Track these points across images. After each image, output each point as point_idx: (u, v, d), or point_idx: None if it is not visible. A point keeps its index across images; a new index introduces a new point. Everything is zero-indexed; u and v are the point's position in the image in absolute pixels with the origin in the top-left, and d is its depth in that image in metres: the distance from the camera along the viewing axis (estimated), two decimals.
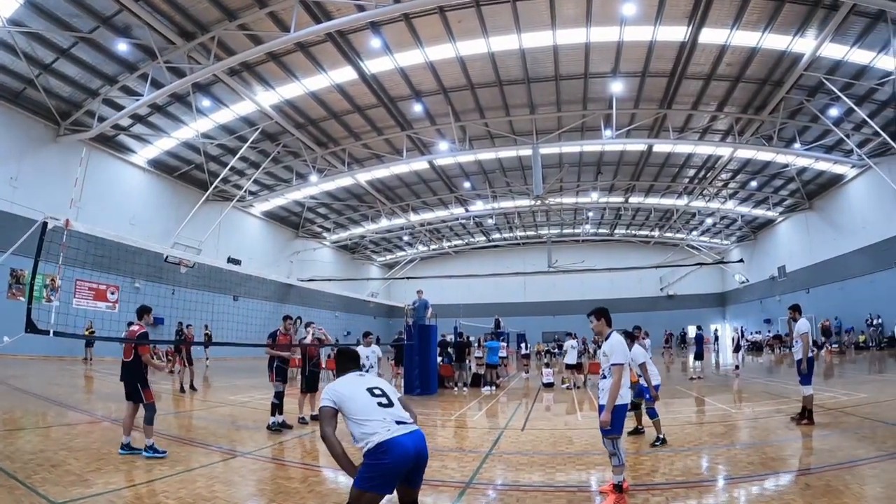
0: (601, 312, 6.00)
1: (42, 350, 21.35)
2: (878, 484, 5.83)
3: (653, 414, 8.55)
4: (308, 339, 12.00)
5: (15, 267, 21.42)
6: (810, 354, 9.51)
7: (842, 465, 6.66)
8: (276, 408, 9.82)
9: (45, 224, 6.64)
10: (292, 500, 5.70)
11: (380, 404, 3.84)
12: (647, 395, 8.75)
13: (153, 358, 7.99)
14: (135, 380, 7.59)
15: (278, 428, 9.63)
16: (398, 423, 3.75)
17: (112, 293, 26.14)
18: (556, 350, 36.86)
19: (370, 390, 3.93)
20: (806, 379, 9.34)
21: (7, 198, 21.54)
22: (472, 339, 22.38)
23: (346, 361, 4.36)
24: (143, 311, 8.13)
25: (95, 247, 14.33)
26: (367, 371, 10.59)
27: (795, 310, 9.86)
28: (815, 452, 7.55)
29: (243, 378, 19.85)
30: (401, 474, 3.63)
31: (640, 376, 8.72)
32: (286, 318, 10.82)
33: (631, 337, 9.02)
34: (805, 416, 9.34)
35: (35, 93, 21.00)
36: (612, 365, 5.65)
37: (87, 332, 18.60)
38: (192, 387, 15.94)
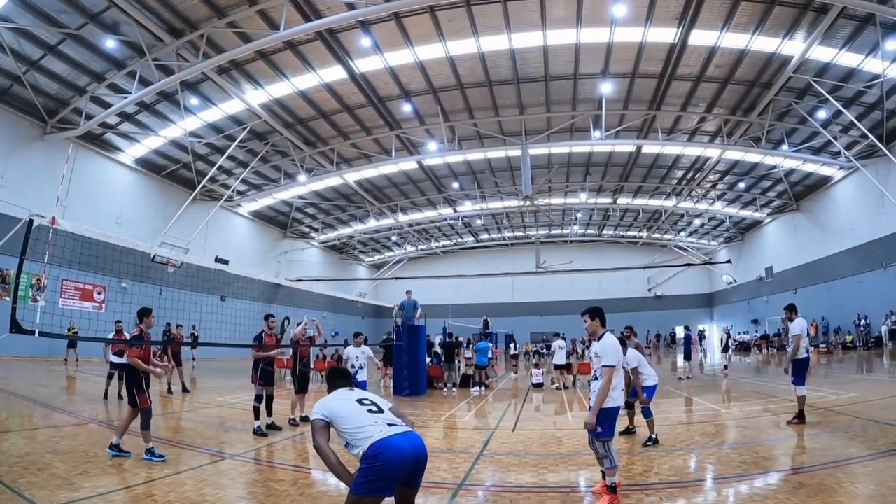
0: (595, 312, 5.85)
1: (27, 351, 21.13)
2: (871, 482, 5.84)
3: (647, 413, 8.54)
4: (299, 330, 11.78)
5: (0, 266, 21.15)
6: (806, 355, 9.49)
7: (834, 463, 6.68)
8: (258, 412, 9.55)
9: (30, 221, 6.52)
10: (283, 503, 5.63)
11: (370, 411, 3.89)
12: (646, 394, 8.76)
13: (148, 362, 7.72)
14: (130, 383, 7.43)
15: (264, 433, 9.36)
16: (390, 425, 3.76)
17: (99, 293, 25.88)
18: (545, 351, 36.95)
19: (360, 401, 4.01)
20: (798, 379, 9.30)
21: None
22: (461, 339, 22.40)
23: (337, 379, 4.43)
24: (142, 314, 7.79)
25: (82, 246, 14.16)
26: (357, 371, 10.63)
27: (790, 310, 9.81)
28: (807, 451, 7.57)
29: (231, 379, 19.71)
30: (399, 476, 3.57)
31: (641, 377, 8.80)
32: (268, 316, 10.43)
33: (623, 342, 9.10)
34: (797, 415, 9.35)
35: (22, 90, 20.72)
36: (604, 367, 5.52)
37: (70, 333, 18.28)
38: (184, 388, 15.74)
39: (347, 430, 3.76)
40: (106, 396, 13.29)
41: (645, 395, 8.69)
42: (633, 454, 7.79)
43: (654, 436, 8.33)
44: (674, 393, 15.28)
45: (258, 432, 9.31)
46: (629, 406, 9.24)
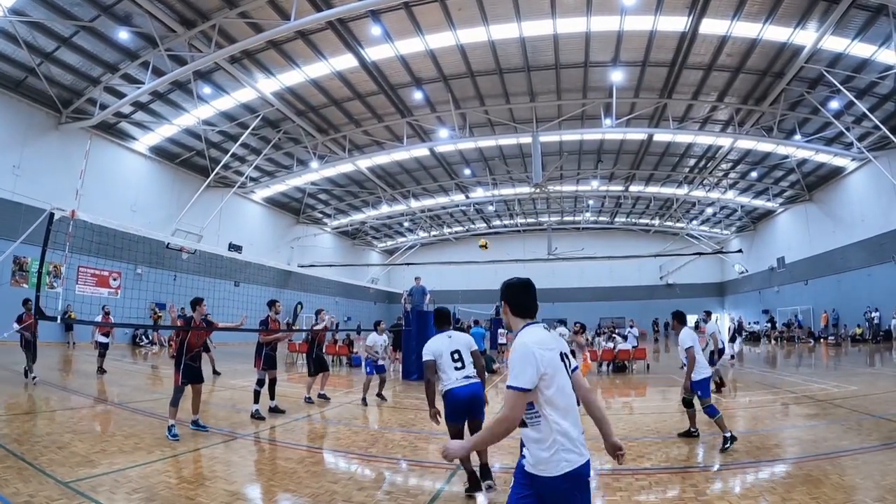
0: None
1: (43, 336, 21.61)
2: (858, 475, 5.98)
3: (713, 412, 7.56)
4: (320, 327, 12.34)
5: (18, 255, 21.58)
6: (707, 374, 7.91)
7: (825, 455, 6.83)
8: (258, 395, 9.71)
9: (51, 215, 6.82)
10: (290, 480, 5.93)
11: (456, 368, 5.52)
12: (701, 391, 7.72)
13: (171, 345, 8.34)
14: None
15: (262, 416, 9.50)
16: (466, 377, 5.51)
17: (114, 279, 26.34)
18: None
19: (452, 354, 5.56)
20: (703, 392, 7.77)
21: (9, 186, 21.70)
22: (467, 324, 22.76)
23: (443, 323, 6.03)
24: (194, 303, 8.70)
25: (98, 234, 14.56)
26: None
27: (678, 318, 8.36)
28: (800, 442, 7.70)
29: (244, 363, 20.05)
30: (462, 412, 5.48)
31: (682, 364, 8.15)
32: (273, 302, 10.58)
33: (681, 320, 8.27)
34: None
35: (36, 81, 21.06)
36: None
37: (69, 316, 18.67)
38: (214, 371, 16.42)
39: (441, 373, 5.57)
40: (100, 371, 14.79)
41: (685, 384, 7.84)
42: (629, 440, 7.97)
43: (728, 434, 7.26)
44: (677, 381, 15.43)
45: (256, 416, 9.49)
46: (688, 404, 8.16)
